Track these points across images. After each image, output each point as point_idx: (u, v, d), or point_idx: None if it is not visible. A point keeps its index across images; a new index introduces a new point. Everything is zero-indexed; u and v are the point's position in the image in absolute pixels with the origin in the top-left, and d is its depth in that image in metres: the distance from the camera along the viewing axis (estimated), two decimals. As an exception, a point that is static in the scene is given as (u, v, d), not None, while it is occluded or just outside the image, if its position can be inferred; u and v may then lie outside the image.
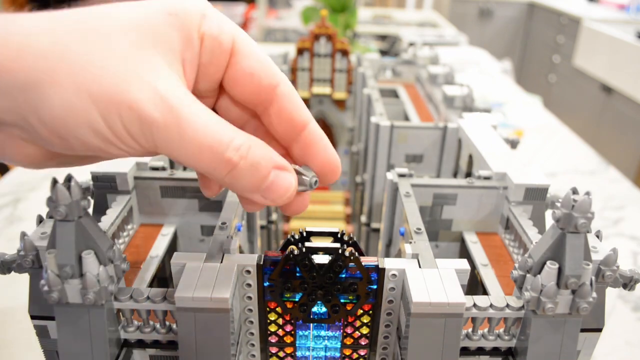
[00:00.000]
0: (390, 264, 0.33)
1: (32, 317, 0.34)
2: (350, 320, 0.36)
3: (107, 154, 0.25)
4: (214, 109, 0.29)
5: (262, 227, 0.63)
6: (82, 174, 0.32)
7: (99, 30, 0.23)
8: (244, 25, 2.33)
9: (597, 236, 0.36)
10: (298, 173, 0.28)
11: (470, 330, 0.35)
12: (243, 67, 0.27)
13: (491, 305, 0.33)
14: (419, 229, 0.39)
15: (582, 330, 0.33)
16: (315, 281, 0.32)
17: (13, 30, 0.22)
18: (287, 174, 0.26)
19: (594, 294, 0.31)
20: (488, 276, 0.42)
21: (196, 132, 0.23)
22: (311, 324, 0.36)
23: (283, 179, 0.26)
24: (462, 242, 0.48)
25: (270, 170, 0.26)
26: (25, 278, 0.34)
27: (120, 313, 0.34)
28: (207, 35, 0.26)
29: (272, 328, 0.36)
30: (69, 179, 0.28)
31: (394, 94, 0.82)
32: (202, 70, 0.27)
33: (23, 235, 0.33)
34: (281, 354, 0.38)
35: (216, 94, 0.29)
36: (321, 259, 0.32)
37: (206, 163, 0.24)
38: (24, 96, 0.22)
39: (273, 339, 0.37)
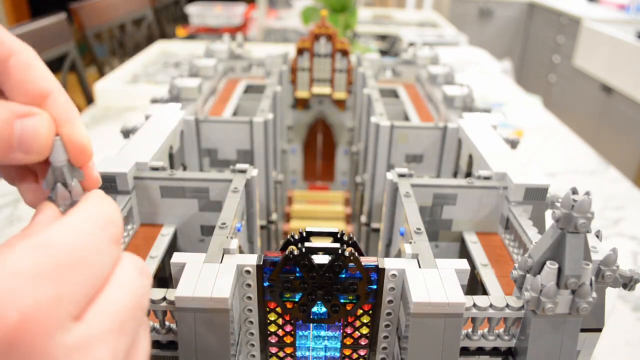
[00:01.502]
0: (390, 264, 0.33)
1: (32, 317, 0.34)
2: (350, 320, 0.36)
3: None
4: None
5: (262, 227, 0.63)
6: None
7: None
8: (244, 25, 2.33)
9: (597, 236, 0.36)
10: None
11: (470, 330, 0.35)
12: (13, 80, 0.25)
13: (491, 305, 0.33)
14: (419, 229, 0.39)
15: (582, 330, 0.33)
16: (315, 281, 0.32)
17: None
18: (32, 118, 0.24)
19: (594, 294, 0.31)
20: (488, 276, 0.42)
21: None
22: (311, 324, 0.36)
23: (33, 124, 0.24)
24: (462, 242, 0.48)
25: (12, 123, 0.24)
26: (25, 278, 0.34)
27: (120, 313, 0.34)
28: None
29: (272, 328, 0.36)
30: (70, 175, 0.28)
31: (394, 94, 0.82)
32: None
33: (23, 235, 0.33)
34: (281, 354, 0.38)
35: None
36: (321, 259, 0.32)
37: None
38: None
39: (273, 339, 0.37)
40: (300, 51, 0.79)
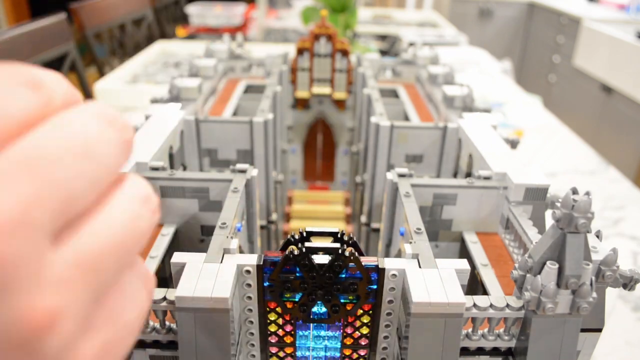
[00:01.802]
0: (390, 264, 0.33)
1: (32, 317, 0.34)
2: (350, 320, 0.36)
3: None
4: None
5: (262, 227, 0.63)
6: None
7: None
8: (244, 25, 2.33)
9: (597, 236, 0.36)
10: None
11: (470, 330, 0.35)
12: None
13: (491, 305, 0.33)
14: (419, 229, 0.39)
15: (582, 330, 0.33)
16: (315, 281, 0.32)
17: None
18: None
19: (594, 294, 0.31)
20: (488, 276, 0.42)
21: None
22: (311, 324, 0.36)
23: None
24: (462, 242, 0.48)
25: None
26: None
27: (120, 313, 0.34)
28: None
29: (272, 328, 0.36)
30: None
31: (394, 94, 0.82)
32: None
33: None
34: (281, 354, 0.38)
35: None
36: (321, 259, 0.32)
37: None
38: None
39: (273, 339, 0.37)
40: (300, 51, 0.79)
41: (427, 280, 0.32)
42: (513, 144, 0.55)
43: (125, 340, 0.19)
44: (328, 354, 0.38)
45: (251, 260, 0.33)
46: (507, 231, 0.46)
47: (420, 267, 0.34)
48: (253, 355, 0.38)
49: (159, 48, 1.81)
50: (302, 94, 0.83)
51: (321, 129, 0.88)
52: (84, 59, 2.04)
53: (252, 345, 0.37)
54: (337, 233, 0.35)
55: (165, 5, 2.57)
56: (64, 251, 0.16)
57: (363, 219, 0.67)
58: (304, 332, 0.36)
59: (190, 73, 0.73)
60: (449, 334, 0.31)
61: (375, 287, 0.34)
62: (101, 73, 1.78)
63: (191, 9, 2.26)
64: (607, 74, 2.43)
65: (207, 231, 0.49)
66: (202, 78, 0.71)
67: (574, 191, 0.30)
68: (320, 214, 0.86)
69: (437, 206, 0.47)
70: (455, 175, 0.61)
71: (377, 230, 0.62)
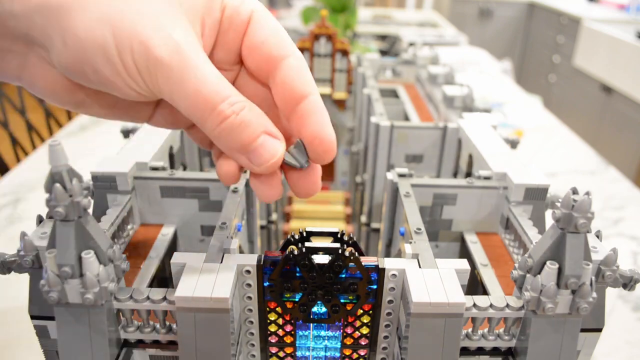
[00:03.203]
0: (390, 264, 0.33)
1: (32, 317, 0.34)
2: (350, 320, 0.36)
3: (117, 89, 0.26)
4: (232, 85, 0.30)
5: (262, 227, 0.63)
6: (82, 174, 0.32)
7: None
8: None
9: (597, 236, 0.36)
10: (291, 150, 0.29)
11: (470, 330, 0.35)
12: (256, 35, 0.28)
13: (491, 305, 0.33)
14: (419, 229, 0.39)
15: (582, 330, 0.33)
16: (315, 281, 0.32)
17: None
18: (275, 141, 0.27)
19: (594, 294, 0.31)
20: (488, 276, 0.42)
21: (197, 78, 0.25)
22: (311, 324, 0.36)
23: (271, 144, 0.27)
24: (462, 242, 0.48)
25: (259, 134, 0.27)
26: (25, 278, 0.34)
27: (120, 313, 0.34)
28: (229, 6, 0.28)
29: (272, 328, 0.36)
30: (70, 179, 0.28)
31: (394, 94, 0.82)
32: (220, 38, 0.28)
33: (23, 235, 0.33)
34: (281, 354, 0.38)
35: (237, 69, 0.30)
36: (321, 259, 0.32)
37: (199, 111, 0.25)
38: (55, 16, 0.24)
39: (273, 339, 0.37)
40: (300, 51, 0.79)
41: (427, 280, 0.32)
42: (513, 144, 0.55)
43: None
44: (328, 354, 0.38)
45: (251, 260, 0.33)
46: (507, 231, 0.46)
47: (420, 267, 0.34)
48: (253, 355, 0.38)
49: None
50: (302, 94, 0.82)
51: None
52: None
53: (252, 345, 0.37)
54: (337, 233, 0.35)
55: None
56: None
57: (363, 219, 0.67)
58: (304, 332, 0.36)
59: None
60: (449, 334, 0.31)
61: (375, 287, 0.34)
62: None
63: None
64: (607, 74, 2.43)
65: (207, 231, 0.49)
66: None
67: (574, 191, 0.30)
68: (320, 214, 0.86)
69: (437, 206, 0.47)
70: (455, 175, 0.61)
71: (377, 230, 0.62)
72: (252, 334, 0.37)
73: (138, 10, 0.25)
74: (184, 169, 0.60)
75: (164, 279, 0.45)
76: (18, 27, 0.25)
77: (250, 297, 0.34)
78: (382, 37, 2.27)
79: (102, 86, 0.26)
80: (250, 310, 0.35)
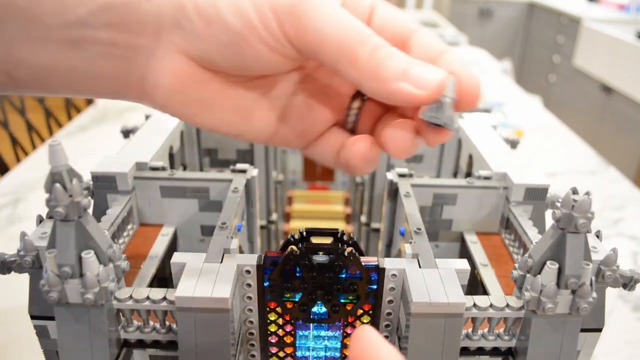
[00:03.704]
0: (390, 264, 0.33)
1: (32, 317, 0.34)
2: (350, 320, 0.36)
3: (259, 56, 0.25)
4: None
5: (262, 227, 0.63)
6: (82, 174, 0.32)
7: None
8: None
9: (597, 236, 0.36)
10: None
11: (470, 330, 0.35)
12: (386, 13, 0.27)
13: (491, 305, 0.33)
14: (419, 229, 0.39)
15: (582, 330, 0.33)
16: (315, 281, 0.32)
17: None
18: (431, 66, 0.24)
19: (594, 294, 0.31)
20: (488, 276, 0.42)
21: (341, 12, 0.24)
22: (311, 324, 0.36)
23: (428, 67, 0.24)
24: (462, 242, 0.48)
25: (413, 61, 0.24)
26: (25, 278, 0.34)
27: (120, 313, 0.34)
28: None
29: (272, 328, 0.36)
30: (70, 179, 0.28)
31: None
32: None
33: (23, 235, 0.33)
34: (281, 354, 0.38)
35: None
36: (321, 258, 0.32)
37: (349, 46, 0.24)
38: None
39: (273, 339, 0.37)
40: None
41: (427, 280, 0.32)
42: (513, 144, 0.55)
43: None
44: (328, 354, 0.38)
45: (251, 260, 0.33)
46: (507, 231, 0.46)
47: (420, 267, 0.34)
48: (253, 355, 0.38)
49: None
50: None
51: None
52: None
53: (252, 345, 0.37)
54: (337, 233, 0.35)
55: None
56: None
57: (363, 219, 0.67)
58: (304, 332, 0.36)
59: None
60: (449, 334, 0.31)
61: (375, 287, 0.34)
62: (101, 73, 1.78)
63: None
64: (607, 74, 2.43)
65: (207, 231, 0.49)
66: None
67: (574, 191, 0.30)
68: (320, 214, 0.86)
69: (437, 206, 0.47)
70: (455, 175, 0.61)
71: (377, 230, 0.62)
72: (252, 334, 0.37)
73: None
74: (184, 169, 0.60)
75: (164, 279, 0.45)
76: (151, 9, 0.24)
77: (250, 297, 0.35)
78: (382, 37, 2.27)
79: (241, 58, 0.25)
80: (250, 310, 0.35)
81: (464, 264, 0.34)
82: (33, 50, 0.24)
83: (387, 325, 0.36)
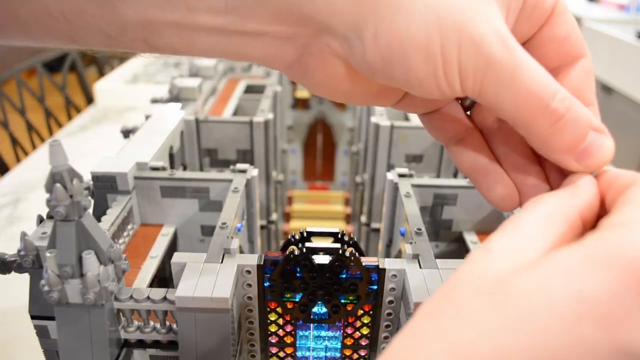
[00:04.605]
0: (390, 265, 0.33)
1: (32, 317, 0.34)
2: (350, 320, 0.36)
3: (423, 89, 0.24)
4: None
5: (262, 227, 0.63)
6: (82, 174, 0.32)
7: None
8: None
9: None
10: None
11: (470, 330, 0.35)
12: (560, 29, 0.25)
13: (491, 306, 0.33)
14: (420, 229, 0.39)
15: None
16: (315, 281, 0.32)
17: None
18: (604, 137, 0.24)
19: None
20: (488, 276, 0.42)
21: (529, 76, 0.22)
22: (311, 324, 0.36)
23: (601, 142, 0.24)
24: (463, 242, 0.48)
25: (589, 130, 0.23)
26: (25, 278, 0.34)
27: (121, 313, 0.34)
28: None
29: (273, 328, 0.36)
30: (70, 179, 0.28)
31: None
32: (517, 24, 0.25)
33: (23, 235, 0.33)
34: (281, 354, 0.38)
35: None
36: (321, 259, 0.32)
37: (529, 111, 0.23)
38: (371, 6, 0.22)
39: (273, 339, 0.37)
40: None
41: (428, 280, 0.32)
42: (513, 144, 0.55)
43: None
44: (328, 354, 0.38)
45: (251, 260, 0.33)
46: (508, 231, 0.46)
47: (420, 267, 0.34)
48: (253, 356, 0.38)
49: (159, 48, 1.80)
50: (302, 93, 0.83)
51: (321, 129, 0.88)
52: (84, 59, 2.04)
53: (253, 345, 0.37)
54: (337, 233, 0.35)
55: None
56: None
57: (363, 219, 0.67)
58: (304, 332, 0.36)
59: (191, 73, 0.73)
60: (450, 334, 0.31)
61: (375, 287, 0.34)
62: (101, 73, 1.78)
63: (191, 9, 2.25)
64: (607, 74, 2.43)
65: (207, 231, 0.49)
66: (202, 78, 0.71)
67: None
68: (320, 214, 0.86)
69: (437, 206, 0.47)
70: (455, 175, 0.61)
71: (377, 230, 0.62)
72: (252, 334, 0.37)
73: (462, 2, 0.22)
74: (184, 169, 0.60)
75: (164, 279, 0.45)
76: (315, 14, 0.22)
77: (250, 297, 0.34)
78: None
79: (403, 85, 0.24)
80: (251, 310, 0.35)
81: (464, 264, 0.34)
82: (180, 35, 0.23)
83: (387, 326, 0.36)
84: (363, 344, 0.37)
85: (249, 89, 0.79)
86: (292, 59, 0.25)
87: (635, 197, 0.20)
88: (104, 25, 0.23)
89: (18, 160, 1.24)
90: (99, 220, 0.41)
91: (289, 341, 0.37)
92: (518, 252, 0.19)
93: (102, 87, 1.36)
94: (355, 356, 0.38)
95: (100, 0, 0.22)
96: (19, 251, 0.33)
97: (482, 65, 0.22)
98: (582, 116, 0.23)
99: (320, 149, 0.90)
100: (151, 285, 0.41)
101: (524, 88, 0.22)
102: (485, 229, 0.48)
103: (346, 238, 0.35)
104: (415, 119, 0.71)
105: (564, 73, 0.26)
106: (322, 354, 0.38)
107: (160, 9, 0.22)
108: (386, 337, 0.36)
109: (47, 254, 0.29)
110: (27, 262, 0.33)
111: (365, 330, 0.36)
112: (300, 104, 0.84)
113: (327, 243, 0.33)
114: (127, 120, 1.25)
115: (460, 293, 0.18)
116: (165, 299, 0.32)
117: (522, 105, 0.23)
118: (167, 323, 0.34)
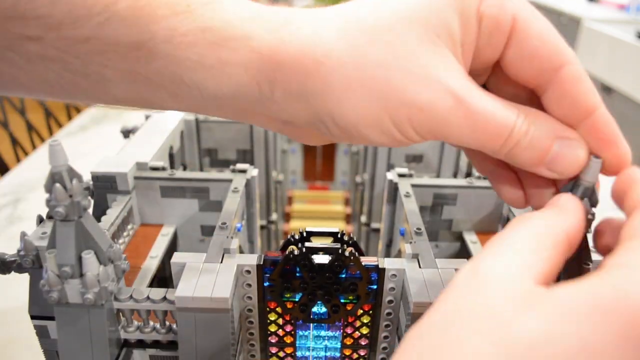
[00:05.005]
0: (390, 264, 0.33)
1: (32, 317, 0.34)
2: (350, 320, 0.36)
3: (382, 144, 0.26)
4: (484, 86, 0.27)
5: (262, 227, 0.63)
6: (82, 174, 0.32)
7: (387, 27, 0.23)
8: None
9: (597, 236, 0.36)
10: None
11: (470, 330, 0.35)
12: (522, 49, 0.24)
13: (491, 305, 0.33)
14: (419, 229, 0.39)
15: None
16: (315, 281, 0.32)
17: (311, 42, 0.23)
18: (572, 143, 0.24)
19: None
20: (488, 276, 0.42)
21: (486, 120, 0.23)
22: (311, 324, 0.36)
23: (567, 150, 0.24)
24: (462, 242, 0.48)
25: (552, 142, 0.24)
26: (25, 278, 0.34)
27: (120, 313, 0.34)
28: (486, 15, 0.24)
29: (272, 328, 0.36)
30: (70, 179, 0.28)
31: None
32: (477, 53, 0.25)
33: (23, 235, 0.33)
34: (281, 354, 0.38)
35: (488, 72, 0.27)
36: (321, 259, 0.32)
37: (492, 145, 0.24)
38: (320, 101, 0.24)
39: (273, 339, 0.37)
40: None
41: (427, 280, 0.32)
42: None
43: None
44: (328, 354, 0.38)
45: (251, 260, 0.33)
46: (507, 231, 0.46)
47: (420, 267, 0.34)
48: (253, 355, 0.38)
49: (159, 48, 1.80)
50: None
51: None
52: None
53: (252, 345, 0.37)
54: (337, 233, 0.35)
55: (165, 5, 2.56)
56: None
57: (363, 219, 0.67)
58: (304, 332, 0.36)
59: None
60: (449, 334, 0.31)
61: (375, 287, 0.34)
62: (101, 73, 1.78)
63: (191, 9, 2.25)
64: (607, 74, 2.43)
65: (207, 231, 0.49)
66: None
67: (574, 191, 0.30)
68: (320, 214, 0.86)
69: (437, 206, 0.47)
70: (455, 175, 0.61)
71: (377, 230, 0.62)
72: (252, 334, 0.37)
73: (405, 70, 0.22)
74: (184, 169, 0.60)
75: (164, 279, 0.45)
76: (279, 112, 0.25)
77: (250, 297, 0.35)
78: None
79: (368, 143, 0.26)
80: (250, 310, 0.35)
81: (464, 264, 0.34)
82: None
83: (387, 326, 0.36)
84: (363, 343, 0.37)
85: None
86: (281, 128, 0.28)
87: None
88: (100, 97, 0.26)
89: (18, 160, 1.24)
90: (98, 220, 0.41)
91: (288, 341, 0.37)
92: (511, 277, 0.19)
93: (102, 87, 1.36)
94: (355, 356, 0.38)
95: (94, 79, 0.25)
96: (18, 251, 0.33)
97: (438, 126, 0.23)
98: (542, 132, 0.24)
99: (320, 149, 0.90)
100: (151, 285, 0.41)
101: (481, 131, 0.23)
102: (485, 229, 0.48)
103: (346, 238, 0.35)
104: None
105: (548, 87, 0.25)
106: (322, 353, 0.38)
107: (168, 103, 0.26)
108: (386, 337, 0.36)
109: (47, 254, 0.29)
110: (27, 262, 0.33)
111: (364, 330, 0.36)
112: (300, 104, 0.84)
113: (327, 243, 0.33)
114: (127, 120, 1.25)
115: (460, 329, 0.18)
116: (165, 299, 0.32)
117: (483, 143, 0.24)
118: (167, 323, 0.34)
